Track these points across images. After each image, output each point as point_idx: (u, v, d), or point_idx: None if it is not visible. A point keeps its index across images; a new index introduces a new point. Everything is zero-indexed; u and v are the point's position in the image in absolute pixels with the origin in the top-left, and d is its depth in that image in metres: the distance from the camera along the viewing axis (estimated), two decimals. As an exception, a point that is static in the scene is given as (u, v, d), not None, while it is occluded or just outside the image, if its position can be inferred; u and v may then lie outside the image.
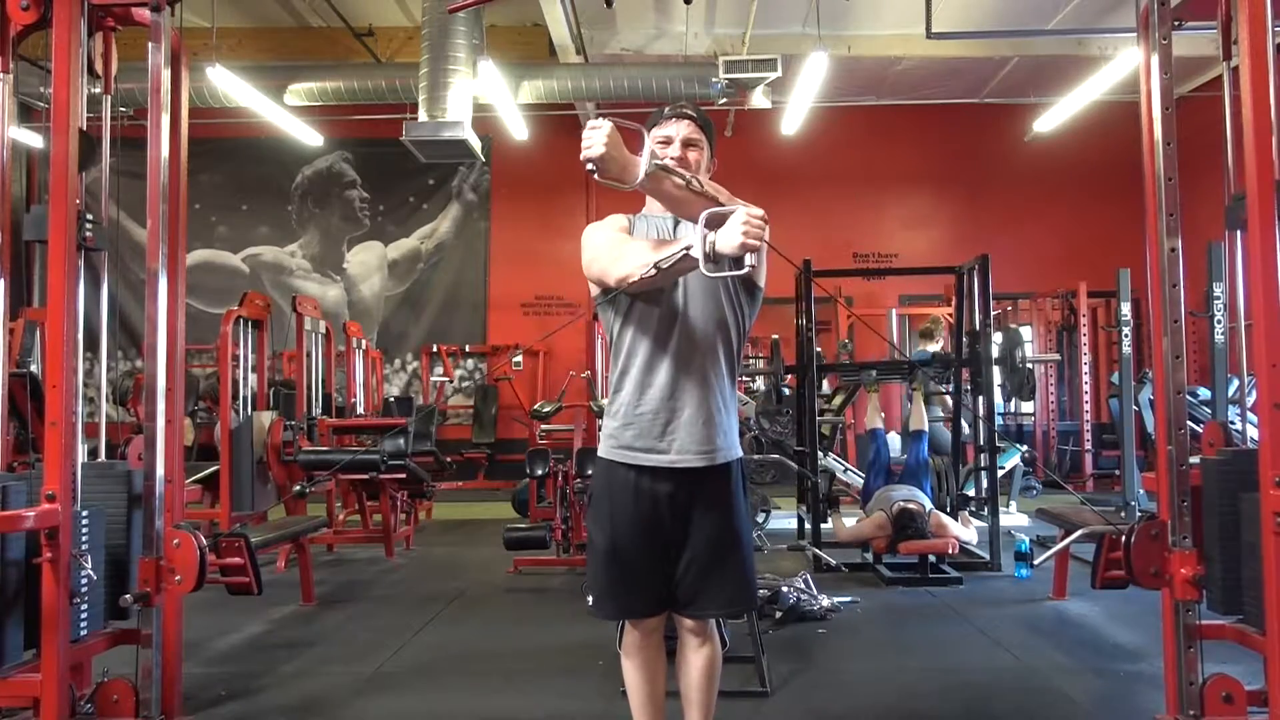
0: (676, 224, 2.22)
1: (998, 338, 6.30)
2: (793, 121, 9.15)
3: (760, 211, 1.78)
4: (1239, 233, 2.74)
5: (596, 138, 1.79)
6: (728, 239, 1.74)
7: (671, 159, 2.10)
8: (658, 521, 2.14)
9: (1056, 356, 9.47)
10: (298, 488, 5.15)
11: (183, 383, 3.07)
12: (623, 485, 2.16)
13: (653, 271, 1.93)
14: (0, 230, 2.86)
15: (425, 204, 11.35)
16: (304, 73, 8.21)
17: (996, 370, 6.03)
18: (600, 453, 2.25)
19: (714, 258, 1.76)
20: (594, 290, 2.23)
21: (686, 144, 2.18)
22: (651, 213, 2.28)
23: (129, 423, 7.02)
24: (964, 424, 6.27)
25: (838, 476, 6.97)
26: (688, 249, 1.81)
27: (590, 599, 2.28)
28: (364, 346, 8.35)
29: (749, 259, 1.74)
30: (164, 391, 2.84)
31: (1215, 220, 2.90)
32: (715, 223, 1.77)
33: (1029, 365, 6.45)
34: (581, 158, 1.80)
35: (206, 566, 2.82)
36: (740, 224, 1.74)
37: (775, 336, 6.92)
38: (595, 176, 1.83)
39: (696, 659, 2.27)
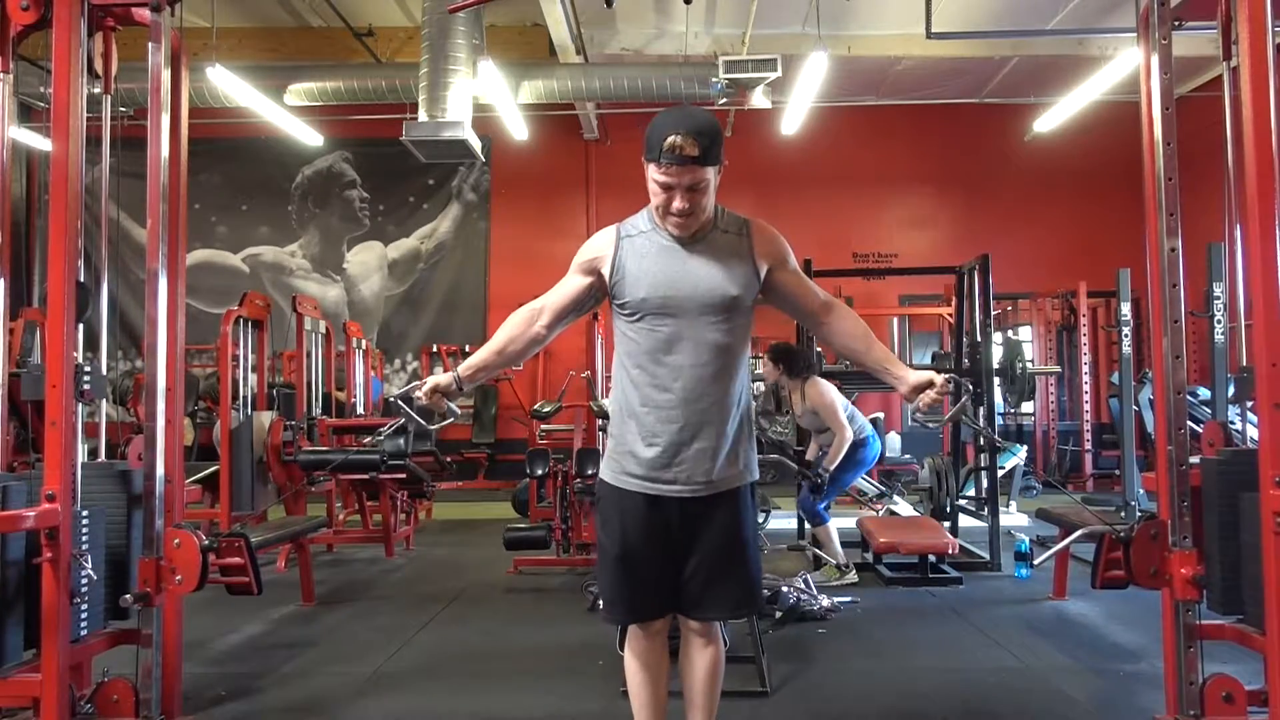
0: (687, 242, 2.13)
1: (997, 338, 6.30)
2: (793, 121, 9.15)
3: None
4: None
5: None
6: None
7: (675, 209, 2.05)
8: (667, 529, 2.15)
9: (1057, 369, 9.47)
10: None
11: (183, 383, 3.07)
12: (631, 497, 2.16)
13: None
14: (0, 230, 2.86)
15: (425, 204, 11.35)
16: (304, 73, 8.21)
17: (996, 380, 6.02)
18: (604, 475, 2.23)
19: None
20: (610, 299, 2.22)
21: (691, 189, 2.03)
22: (658, 225, 2.15)
23: (129, 423, 7.02)
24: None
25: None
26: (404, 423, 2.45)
27: (600, 604, 2.27)
28: (364, 346, 8.35)
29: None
30: (164, 391, 2.84)
31: (1215, 220, 2.90)
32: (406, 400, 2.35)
33: (1029, 375, 6.45)
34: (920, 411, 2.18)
35: (208, 566, 2.82)
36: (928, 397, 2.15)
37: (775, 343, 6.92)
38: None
39: (701, 660, 2.27)
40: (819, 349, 5.96)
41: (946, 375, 2.13)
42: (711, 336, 2.11)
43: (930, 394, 2.10)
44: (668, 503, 2.13)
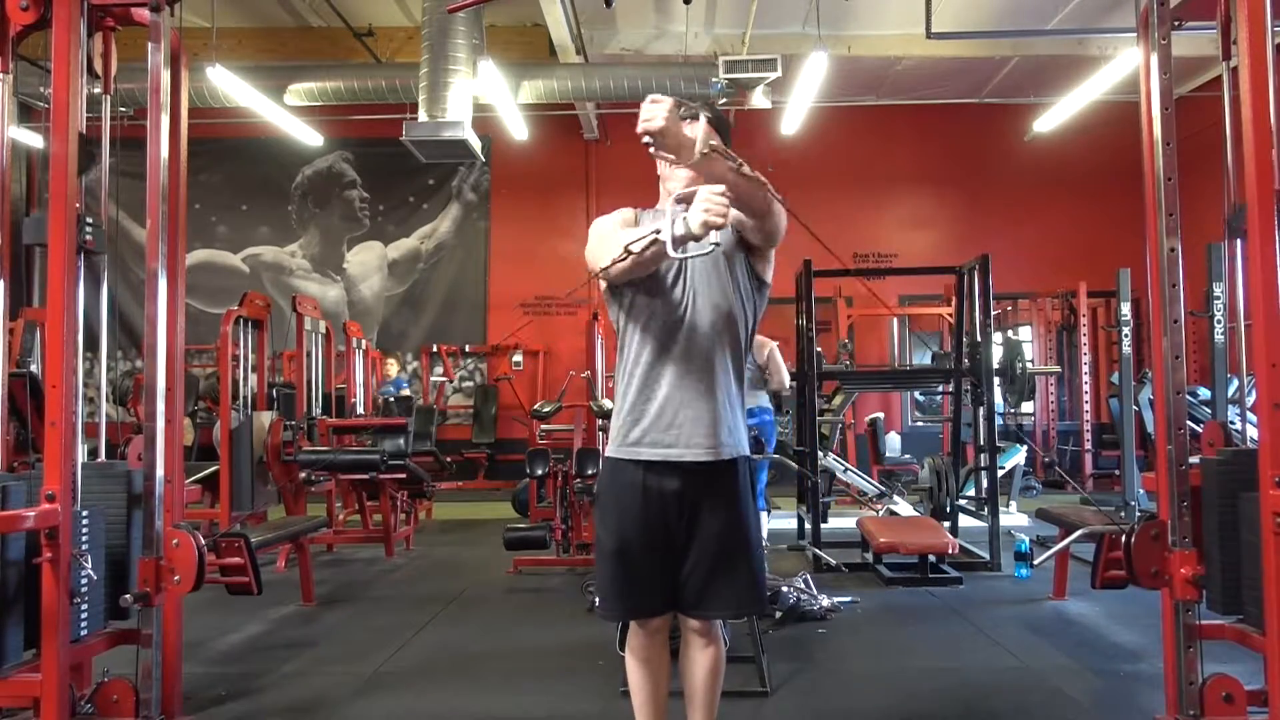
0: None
1: (997, 338, 6.30)
2: (793, 121, 9.16)
3: (721, 188, 1.82)
4: (1239, 240, 2.73)
5: (658, 111, 1.80)
6: (693, 217, 1.82)
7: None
8: (665, 521, 2.13)
9: (1057, 369, 9.48)
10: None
11: (183, 383, 3.07)
12: (629, 486, 2.15)
13: (625, 257, 1.95)
14: (0, 230, 2.86)
15: (425, 204, 11.36)
16: (304, 73, 8.22)
17: (996, 380, 6.03)
18: (608, 453, 2.24)
19: (683, 240, 1.84)
20: (601, 284, 2.22)
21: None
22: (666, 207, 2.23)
23: (129, 423, 7.02)
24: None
25: (838, 476, 6.98)
26: (657, 232, 1.88)
27: (597, 600, 2.26)
28: (364, 346, 8.36)
29: (714, 236, 1.81)
30: (164, 391, 2.84)
31: (1215, 220, 2.90)
32: (686, 203, 1.86)
33: (1029, 375, 6.46)
34: (640, 129, 1.81)
35: (205, 566, 2.82)
36: (703, 201, 1.80)
37: (775, 341, 6.93)
38: (650, 150, 1.86)
39: (702, 659, 2.26)
40: (818, 349, 5.97)
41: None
42: (711, 305, 2.12)
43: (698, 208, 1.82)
44: (665, 476, 2.12)
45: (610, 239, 2.08)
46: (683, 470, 2.12)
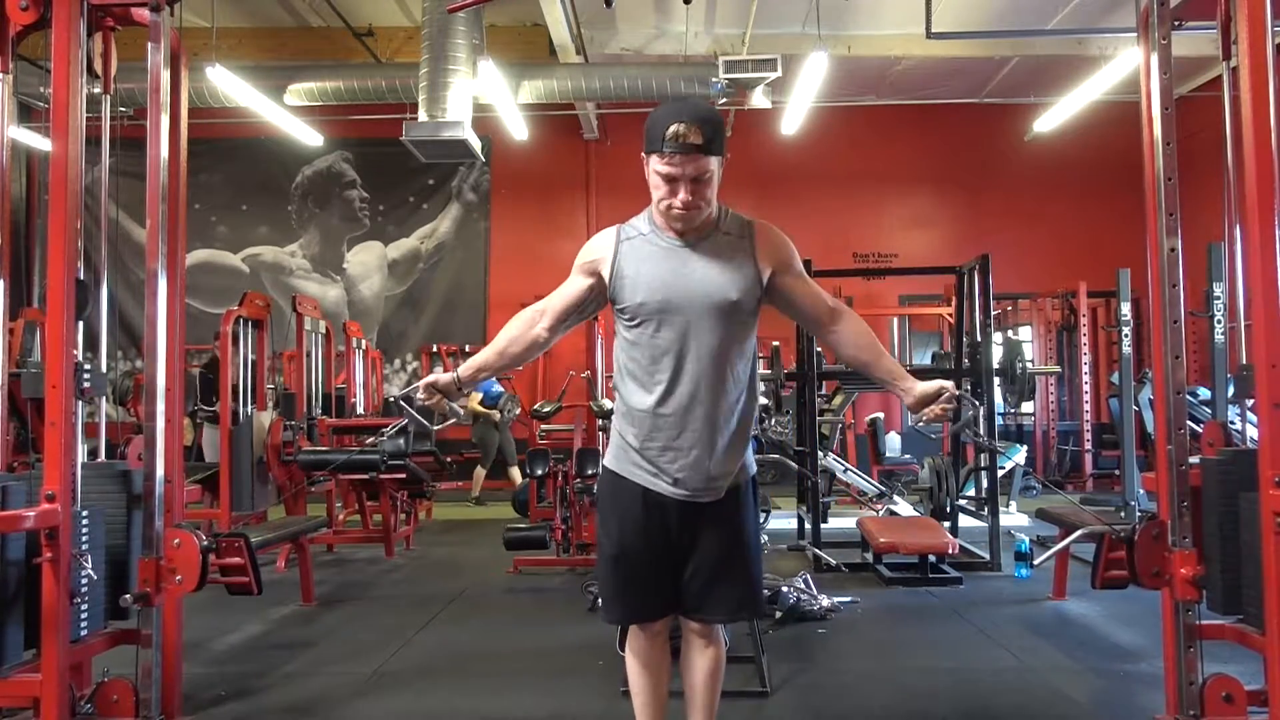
0: (687, 245, 2.09)
1: (997, 338, 6.29)
2: (793, 121, 9.16)
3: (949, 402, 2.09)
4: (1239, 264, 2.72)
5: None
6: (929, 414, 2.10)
7: (680, 202, 2.00)
8: (665, 528, 2.13)
9: (1057, 369, 9.47)
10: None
11: (183, 383, 3.07)
12: (630, 493, 2.14)
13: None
14: (0, 230, 2.86)
15: (425, 204, 11.36)
16: (304, 73, 8.22)
17: (996, 380, 6.03)
18: (606, 463, 2.22)
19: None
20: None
21: (695, 180, 1.98)
22: (658, 227, 2.12)
23: (129, 423, 7.03)
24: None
25: (838, 476, 6.97)
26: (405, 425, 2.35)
27: (599, 602, 2.26)
28: (364, 346, 8.35)
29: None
30: (164, 391, 2.84)
31: (1215, 220, 2.90)
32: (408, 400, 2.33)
33: (1029, 375, 6.45)
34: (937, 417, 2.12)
35: (208, 566, 2.82)
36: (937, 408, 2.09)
37: (775, 343, 6.92)
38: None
39: (702, 660, 2.26)
40: (819, 349, 5.96)
41: (953, 392, 2.08)
42: (711, 341, 2.06)
43: (935, 409, 2.06)
44: (667, 504, 2.11)
45: (563, 288, 2.24)
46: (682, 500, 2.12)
